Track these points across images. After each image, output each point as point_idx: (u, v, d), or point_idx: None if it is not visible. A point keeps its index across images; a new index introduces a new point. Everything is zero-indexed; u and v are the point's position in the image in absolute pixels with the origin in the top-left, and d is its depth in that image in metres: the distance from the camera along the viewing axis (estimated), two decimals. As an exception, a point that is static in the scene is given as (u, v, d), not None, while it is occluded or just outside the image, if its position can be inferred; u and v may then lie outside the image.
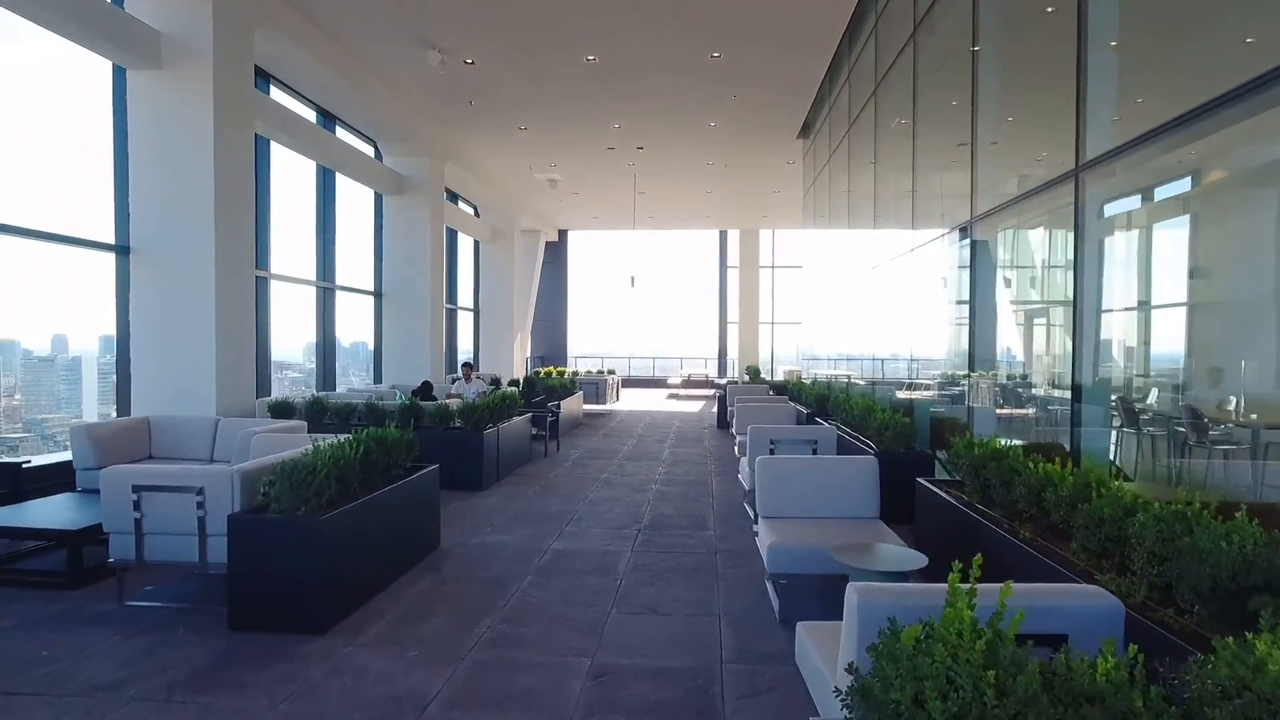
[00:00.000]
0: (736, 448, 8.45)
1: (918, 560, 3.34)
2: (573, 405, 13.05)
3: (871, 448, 5.96)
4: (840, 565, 3.31)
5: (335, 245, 11.39)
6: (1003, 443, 4.27)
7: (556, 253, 24.45)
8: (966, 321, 5.69)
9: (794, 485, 4.38)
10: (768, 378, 22.83)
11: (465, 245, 18.34)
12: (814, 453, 5.83)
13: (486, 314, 18.69)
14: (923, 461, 5.70)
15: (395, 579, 4.58)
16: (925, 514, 4.67)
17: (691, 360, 26.87)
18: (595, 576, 4.75)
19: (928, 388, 6.82)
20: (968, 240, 5.57)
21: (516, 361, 18.94)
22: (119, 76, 6.97)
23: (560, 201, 19.35)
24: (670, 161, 14.96)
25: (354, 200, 12.99)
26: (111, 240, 6.95)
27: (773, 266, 24.75)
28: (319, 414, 7.70)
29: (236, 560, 3.74)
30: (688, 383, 21.46)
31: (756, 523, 4.66)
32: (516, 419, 8.62)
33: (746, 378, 22.82)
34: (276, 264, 9.68)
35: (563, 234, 24.47)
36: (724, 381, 23.45)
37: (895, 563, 3.31)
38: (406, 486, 4.76)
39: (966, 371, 5.57)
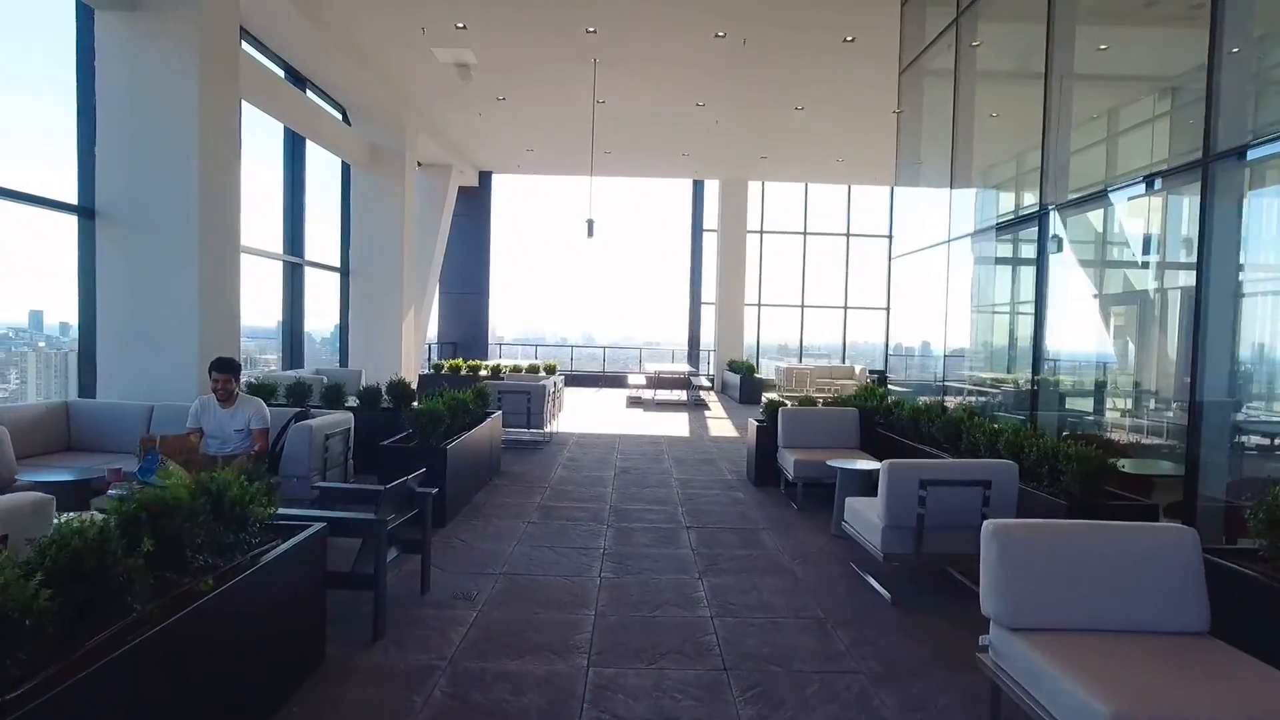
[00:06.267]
0: None
1: None
2: (486, 436, 7.05)
3: None
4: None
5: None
6: None
7: (478, 204, 18.09)
8: None
9: None
10: (763, 376, 17.33)
11: (326, 167, 11.86)
12: None
13: (361, 278, 12.26)
14: None
15: None
16: None
17: (654, 352, 21.06)
18: None
19: None
20: None
21: (407, 351, 12.57)
22: None
23: (479, 116, 13.07)
24: (656, 25, 9.01)
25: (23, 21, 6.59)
26: None
27: (761, 231, 19.19)
28: None
29: None
30: (657, 381, 15.58)
31: None
32: (285, 569, 2.61)
33: (730, 373, 17.24)
34: None
35: (485, 177, 18.10)
36: (700, 379, 17.16)
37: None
38: None
39: None
